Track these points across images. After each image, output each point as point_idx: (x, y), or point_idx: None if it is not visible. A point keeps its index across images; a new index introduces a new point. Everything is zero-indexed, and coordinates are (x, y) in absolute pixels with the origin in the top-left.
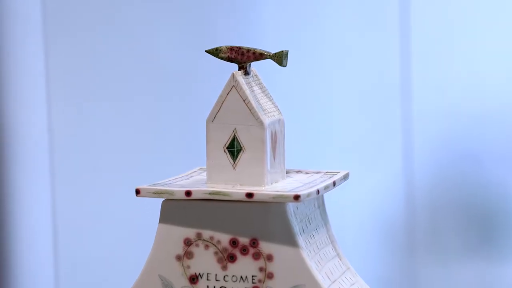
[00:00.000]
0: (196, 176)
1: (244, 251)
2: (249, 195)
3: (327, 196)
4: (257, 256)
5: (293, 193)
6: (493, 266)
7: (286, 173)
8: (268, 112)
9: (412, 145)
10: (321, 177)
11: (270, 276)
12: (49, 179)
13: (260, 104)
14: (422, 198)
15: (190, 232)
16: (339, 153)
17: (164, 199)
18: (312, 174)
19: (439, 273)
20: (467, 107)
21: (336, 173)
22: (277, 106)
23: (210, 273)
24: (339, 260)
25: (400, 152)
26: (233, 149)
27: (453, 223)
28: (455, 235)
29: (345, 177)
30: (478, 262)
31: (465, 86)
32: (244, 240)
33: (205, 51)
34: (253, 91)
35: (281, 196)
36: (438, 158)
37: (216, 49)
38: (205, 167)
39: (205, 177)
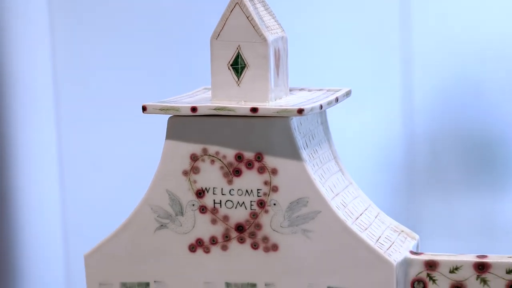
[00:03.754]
0: (201, 95)
1: (249, 165)
2: (254, 109)
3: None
4: (262, 170)
5: (297, 107)
6: (493, 195)
7: (289, 90)
8: (271, 29)
9: (411, 74)
10: (324, 93)
11: (274, 189)
12: (53, 100)
13: (263, 21)
14: (422, 127)
15: (196, 148)
16: (341, 71)
17: (170, 115)
18: (315, 91)
19: (439, 203)
20: (467, 34)
21: (339, 90)
22: (280, 23)
23: (216, 188)
24: (342, 175)
25: (399, 80)
26: (237, 66)
27: (452, 151)
28: (455, 162)
29: (348, 94)
30: (478, 192)
31: (466, 13)
32: (249, 155)
33: None
34: (256, 8)
35: (285, 111)
36: (438, 86)
37: None
38: (210, 86)
39: (210, 95)
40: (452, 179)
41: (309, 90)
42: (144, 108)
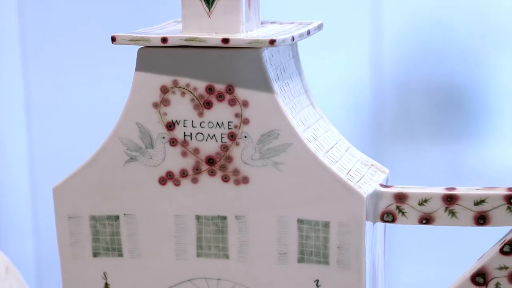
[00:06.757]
0: (171, 27)
1: (220, 97)
2: (225, 40)
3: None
4: (233, 102)
5: (269, 38)
6: (459, 141)
7: (261, 23)
8: None
9: (381, 19)
10: (295, 26)
11: (245, 121)
12: (19, 30)
13: None
14: (390, 71)
15: (167, 80)
16: (310, 11)
17: (140, 47)
18: (286, 24)
19: (406, 147)
20: None
21: (310, 23)
22: None
23: (186, 120)
24: (313, 109)
25: (369, 23)
26: None
27: (420, 96)
28: (422, 107)
29: (319, 27)
30: (445, 137)
31: None
32: (220, 87)
33: None
34: None
35: (257, 41)
36: (408, 31)
37: None
38: (180, 19)
39: (181, 28)
40: (419, 124)
41: (281, 23)
42: (113, 39)
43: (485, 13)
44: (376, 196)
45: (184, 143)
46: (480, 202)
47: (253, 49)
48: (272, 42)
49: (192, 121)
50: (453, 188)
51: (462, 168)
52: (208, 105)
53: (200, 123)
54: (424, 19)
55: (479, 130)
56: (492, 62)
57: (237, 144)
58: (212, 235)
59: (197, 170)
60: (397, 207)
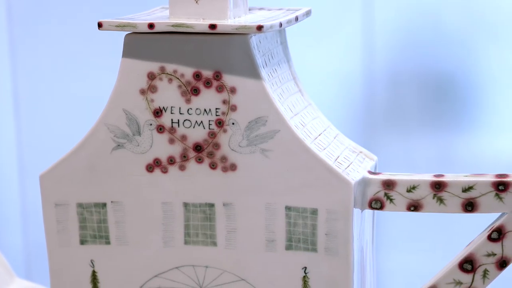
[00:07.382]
0: (158, 13)
1: (208, 84)
2: (212, 26)
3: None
4: (220, 89)
5: (256, 24)
6: (450, 132)
7: (249, 10)
8: None
9: (373, 7)
10: (283, 13)
11: (233, 108)
12: (6, 17)
13: None
14: (382, 61)
15: (154, 66)
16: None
17: (127, 33)
18: (274, 10)
19: (397, 138)
20: None
21: (299, 9)
22: None
23: (174, 107)
24: (301, 96)
25: (360, 13)
26: None
27: (411, 87)
28: (413, 98)
29: (308, 13)
30: (436, 128)
31: None
32: (207, 73)
33: None
34: None
35: (244, 27)
36: (399, 22)
37: None
38: (167, 6)
39: (168, 14)
40: (409, 113)
41: (269, 10)
42: (100, 25)
43: (476, 5)
44: (364, 183)
45: (172, 130)
46: (468, 189)
47: (240, 35)
48: (259, 28)
49: (180, 108)
50: (441, 175)
51: (451, 156)
52: (196, 91)
53: (188, 110)
54: (416, 9)
55: (468, 120)
56: (482, 53)
57: (225, 131)
58: (200, 223)
59: (184, 157)
60: (385, 194)
